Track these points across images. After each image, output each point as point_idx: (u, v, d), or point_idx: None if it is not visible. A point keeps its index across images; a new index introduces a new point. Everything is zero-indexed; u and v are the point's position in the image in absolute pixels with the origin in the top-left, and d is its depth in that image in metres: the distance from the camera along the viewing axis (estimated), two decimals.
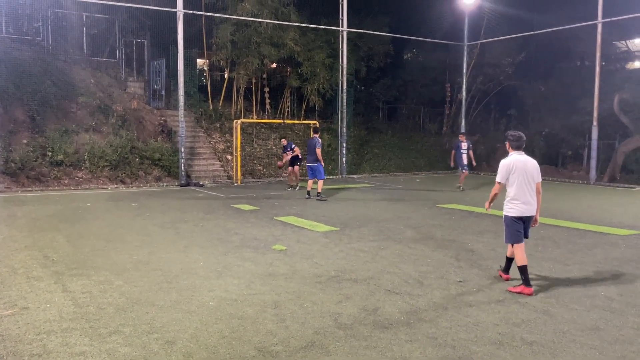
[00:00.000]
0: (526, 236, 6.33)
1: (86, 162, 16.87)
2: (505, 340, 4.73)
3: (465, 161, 16.99)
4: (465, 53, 24.48)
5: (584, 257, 7.91)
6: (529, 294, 5.99)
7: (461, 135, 17.74)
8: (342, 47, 21.33)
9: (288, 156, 16.51)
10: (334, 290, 6.14)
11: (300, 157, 16.62)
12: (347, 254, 7.97)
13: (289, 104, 23.85)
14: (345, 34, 21.29)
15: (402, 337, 4.77)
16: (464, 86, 24.77)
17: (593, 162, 19.52)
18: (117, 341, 4.61)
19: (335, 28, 21.44)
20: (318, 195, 14.19)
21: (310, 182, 14.58)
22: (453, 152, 17.39)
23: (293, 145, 16.64)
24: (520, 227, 6.25)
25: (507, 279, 6.59)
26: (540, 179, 6.31)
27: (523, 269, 6.12)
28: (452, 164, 17.92)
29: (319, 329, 4.95)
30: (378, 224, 10.57)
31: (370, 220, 11.10)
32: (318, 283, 6.44)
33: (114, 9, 19.61)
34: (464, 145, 17.04)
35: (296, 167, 16.56)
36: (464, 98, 24.89)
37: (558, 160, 22.82)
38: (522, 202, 6.18)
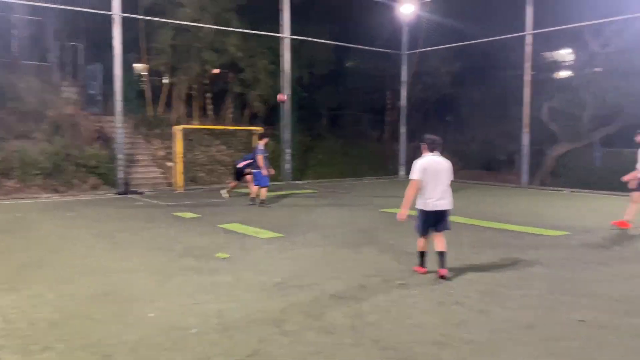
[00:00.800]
0: (448, 228, 7.10)
1: (16, 170, 16.01)
2: (446, 341, 4.85)
3: None
4: (405, 62, 25.06)
5: (519, 258, 8.24)
6: (422, 273, 7.13)
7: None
8: (284, 53, 21.36)
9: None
10: (279, 297, 6.10)
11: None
12: (292, 261, 7.96)
13: (231, 110, 23.61)
14: (286, 40, 21.33)
15: (347, 341, 4.81)
16: (404, 94, 25.33)
17: (525, 167, 20.49)
18: (50, 357, 4.39)
19: (276, 35, 21.44)
20: (261, 203, 14.11)
21: (254, 188, 14.46)
22: None
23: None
24: (430, 222, 7.00)
25: (425, 272, 7.18)
26: (452, 178, 7.06)
27: (422, 254, 7.19)
28: None
29: (263, 336, 4.90)
30: (323, 230, 10.61)
31: (314, 226, 11.13)
32: (263, 290, 6.38)
33: (46, 11, 18.76)
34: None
35: (249, 176, 14.98)
36: (403, 105, 25.45)
37: (492, 165, 23.75)
38: (436, 199, 6.88)
